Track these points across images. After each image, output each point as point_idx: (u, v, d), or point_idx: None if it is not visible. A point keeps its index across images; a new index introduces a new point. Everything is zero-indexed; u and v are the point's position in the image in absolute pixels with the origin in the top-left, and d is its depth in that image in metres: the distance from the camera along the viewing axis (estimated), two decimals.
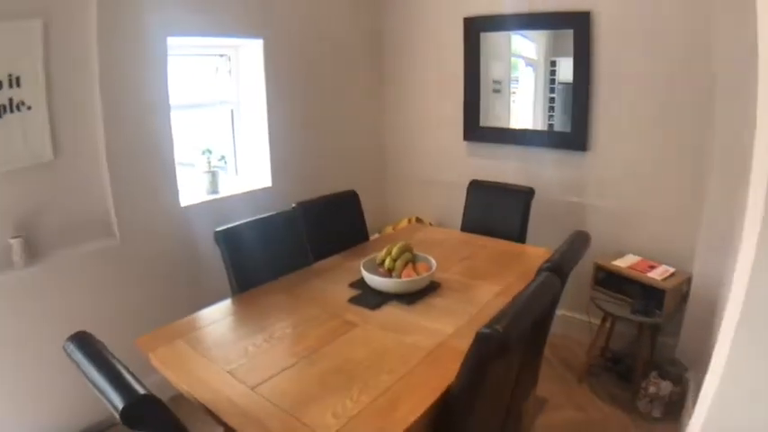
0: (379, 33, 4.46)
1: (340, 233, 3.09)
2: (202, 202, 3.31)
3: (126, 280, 2.95)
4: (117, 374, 1.35)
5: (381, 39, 4.47)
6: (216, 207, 3.34)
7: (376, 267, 2.50)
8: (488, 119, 3.98)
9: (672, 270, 3.04)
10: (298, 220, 2.85)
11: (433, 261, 2.51)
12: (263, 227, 2.69)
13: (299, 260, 2.76)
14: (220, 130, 3.66)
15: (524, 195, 3.29)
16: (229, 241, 2.50)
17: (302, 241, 2.83)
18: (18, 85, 2.51)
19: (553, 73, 3.68)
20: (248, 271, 2.53)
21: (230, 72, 3.59)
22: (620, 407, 3.06)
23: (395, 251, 2.47)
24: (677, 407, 2.92)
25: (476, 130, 4.01)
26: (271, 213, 2.78)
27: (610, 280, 3.18)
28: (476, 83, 3.96)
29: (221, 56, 3.57)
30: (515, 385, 2.12)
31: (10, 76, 2.47)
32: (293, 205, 2.90)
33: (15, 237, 2.55)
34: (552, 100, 3.70)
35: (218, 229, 2.52)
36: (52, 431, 2.75)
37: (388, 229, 4.12)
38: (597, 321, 3.36)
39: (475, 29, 3.89)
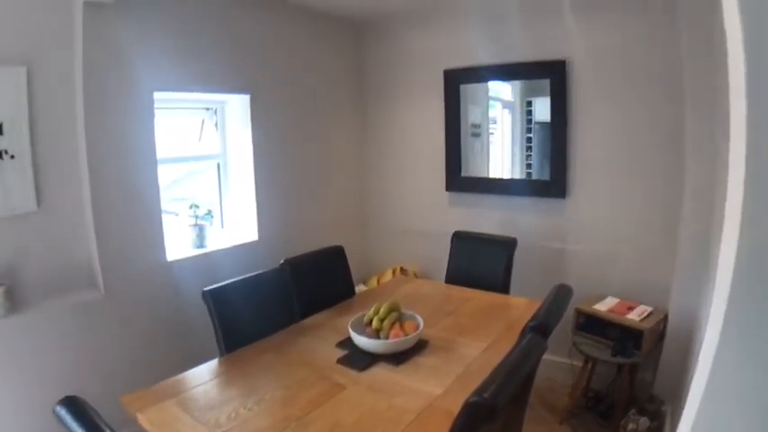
0: (363, 87, 4.61)
1: (327, 289, 3.12)
2: (189, 257, 3.33)
3: (110, 334, 2.93)
4: None
5: (365, 93, 4.61)
6: (203, 262, 3.36)
7: (363, 327, 2.53)
8: (469, 169, 4.08)
9: (649, 309, 3.12)
10: (285, 277, 2.88)
11: (420, 320, 2.54)
12: (251, 285, 2.72)
13: (288, 317, 2.78)
14: (208, 183, 3.70)
15: (507, 246, 3.36)
16: (217, 301, 2.52)
17: (290, 298, 2.86)
18: (0, 132, 2.54)
19: (530, 113, 3.82)
20: (237, 330, 2.55)
21: (216, 126, 3.65)
22: None
23: (382, 310, 2.50)
24: None
25: (457, 180, 4.09)
26: (258, 272, 2.81)
27: (590, 323, 3.24)
28: (456, 133, 4.08)
29: (208, 109, 3.63)
30: None
31: None
32: (281, 261, 2.94)
33: None
34: (529, 140, 3.83)
35: (206, 288, 2.53)
36: None
37: (374, 282, 4.15)
38: (579, 363, 3.42)
39: (455, 81, 4.03)
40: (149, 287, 3.11)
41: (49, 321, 2.72)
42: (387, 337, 2.43)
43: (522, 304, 2.99)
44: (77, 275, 2.90)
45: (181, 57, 3.16)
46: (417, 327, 2.49)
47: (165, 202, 3.24)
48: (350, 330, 2.46)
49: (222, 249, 3.50)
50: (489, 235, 3.53)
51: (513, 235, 3.43)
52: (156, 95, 3.07)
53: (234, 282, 2.66)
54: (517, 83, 3.91)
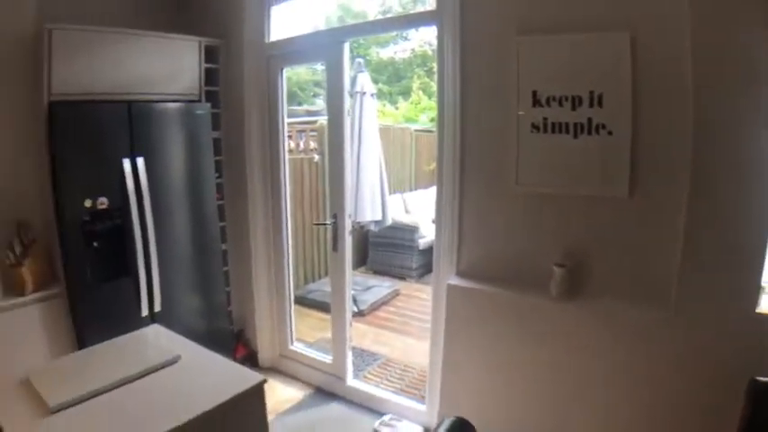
0: None
1: None
2: None
3: (663, 369, 2.35)
4: None
5: None
6: None
7: None
8: None
9: None
10: None
11: None
12: None
13: None
14: None
15: None
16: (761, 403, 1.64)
17: None
18: (600, 104, 2.31)
19: None
20: None
21: None
22: None
23: None
24: None
25: None
26: None
27: None
28: None
29: None
30: None
31: (591, 93, 2.31)
32: None
33: (560, 265, 2.47)
34: None
35: (759, 378, 1.67)
36: None
37: None
38: None
39: None
40: (736, 341, 2.21)
41: (599, 321, 2.44)
42: None
43: None
44: (650, 284, 2.42)
45: None
46: None
47: None
48: None
49: None
50: None
51: None
52: None
53: None
54: None
